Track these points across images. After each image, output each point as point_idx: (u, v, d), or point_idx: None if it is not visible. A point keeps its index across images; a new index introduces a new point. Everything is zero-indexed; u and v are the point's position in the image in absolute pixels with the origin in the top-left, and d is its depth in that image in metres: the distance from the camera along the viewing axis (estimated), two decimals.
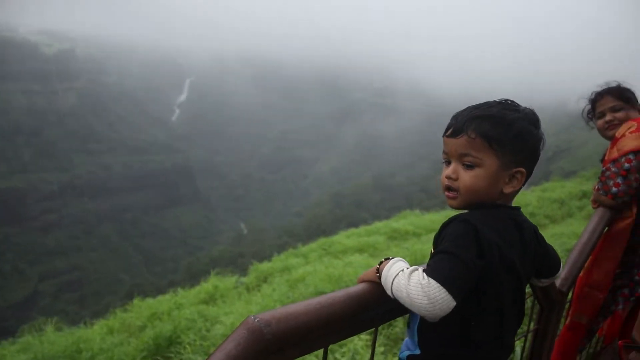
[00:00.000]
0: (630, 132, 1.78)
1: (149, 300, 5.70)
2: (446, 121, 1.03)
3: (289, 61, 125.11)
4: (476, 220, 0.93)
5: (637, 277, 1.89)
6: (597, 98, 2.04)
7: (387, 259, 0.95)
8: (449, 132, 1.03)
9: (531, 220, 0.97)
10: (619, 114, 1.94)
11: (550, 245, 1.13)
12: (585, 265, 1.85)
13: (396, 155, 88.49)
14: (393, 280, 0.88)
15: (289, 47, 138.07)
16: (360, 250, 7.11)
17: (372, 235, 8.16)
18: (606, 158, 1.91)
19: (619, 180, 1.76)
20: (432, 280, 0.83)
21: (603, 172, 1.85)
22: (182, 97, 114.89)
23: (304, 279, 5.10)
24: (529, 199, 9.45)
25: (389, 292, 0.89)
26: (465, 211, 1.01)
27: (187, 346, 3.64)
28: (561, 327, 1.91)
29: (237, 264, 25.73)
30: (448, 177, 1.02)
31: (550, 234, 5.97)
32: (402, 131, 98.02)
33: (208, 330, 3.96)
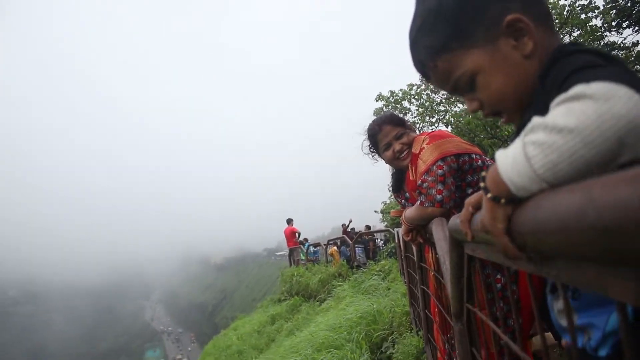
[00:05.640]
0: (427, 144, 1.78)
1: None
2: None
3: None
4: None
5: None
6: (377, 131, 1.99)
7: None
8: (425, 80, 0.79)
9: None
10: (404, 139, 1.94)
11: None
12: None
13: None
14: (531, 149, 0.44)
15: None
16: None
17: None
18: (412, 177, 1.87)
19: (439, 187, 1.68)
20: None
21: (420, 186, 1.74)
22: None
23: None
24: (230, 340, 9.08)
25: (535, 180, 0.43)
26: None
27: None
28: None
29: None
30: (474, 111, 0.82)
31: None
32: (67, 334, 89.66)
33: None
